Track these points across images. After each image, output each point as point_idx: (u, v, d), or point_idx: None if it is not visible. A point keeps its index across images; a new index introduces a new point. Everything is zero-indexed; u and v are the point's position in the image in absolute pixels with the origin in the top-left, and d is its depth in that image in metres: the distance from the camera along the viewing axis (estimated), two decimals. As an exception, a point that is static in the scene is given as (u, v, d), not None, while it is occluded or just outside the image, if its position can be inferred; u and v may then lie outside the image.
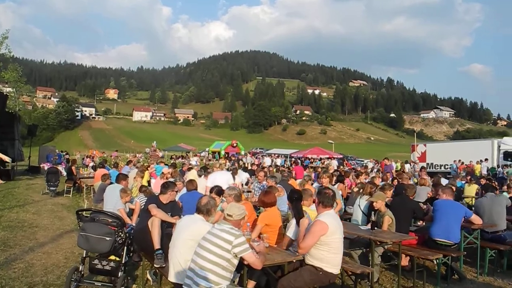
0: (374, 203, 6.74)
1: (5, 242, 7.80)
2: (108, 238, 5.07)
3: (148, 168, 13.74)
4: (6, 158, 23.32)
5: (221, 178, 9.66)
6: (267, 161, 35.83)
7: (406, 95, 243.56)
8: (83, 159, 35.70)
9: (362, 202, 7.75)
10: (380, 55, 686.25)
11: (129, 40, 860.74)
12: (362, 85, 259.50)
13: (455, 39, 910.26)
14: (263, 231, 5.44)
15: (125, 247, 5.40)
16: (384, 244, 6.03)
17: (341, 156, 44.81)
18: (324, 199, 4.74)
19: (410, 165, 31.38)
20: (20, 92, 28.97)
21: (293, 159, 44.39)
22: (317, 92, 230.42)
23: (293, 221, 5.20)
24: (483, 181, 14.73)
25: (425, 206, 7.84)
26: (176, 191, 6.37)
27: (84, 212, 5.52)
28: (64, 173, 19.24)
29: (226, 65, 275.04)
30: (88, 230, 5.12)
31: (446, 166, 31.82)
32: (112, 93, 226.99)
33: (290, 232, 5.14)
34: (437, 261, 6.28)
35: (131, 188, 9.47)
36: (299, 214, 5.04)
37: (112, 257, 5.32)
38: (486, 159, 27.90)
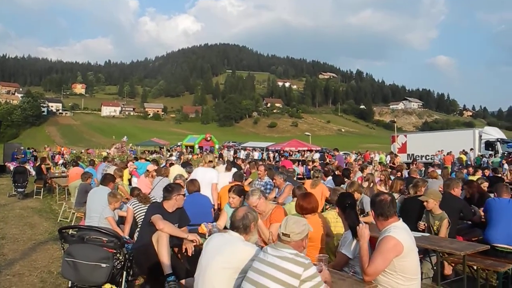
0: (425, 203, 5.60)
1: (-36, 262, 6.39)
2: (104, 265, 3.78)
3: (128, 165, 12.30)
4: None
5: (205, 175, 8.43)
6: (242, 155, 34.84)
7: (375, 87, 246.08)
8: (52, 156, 33.78)
9: (391, 201, 6.69)
10: (349, 48, 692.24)
11: (95, 34, 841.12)
12: (332, 77, 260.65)
13: (422, 32, 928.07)
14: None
15: (124, 272, 4.13)
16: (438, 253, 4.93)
17: (319, 148, 43.93)
18: (384, 209, 3.57)
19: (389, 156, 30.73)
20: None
21: (270, 152, 43.39)
22: (287, 84, 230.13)
23: (347, 235, 4.00)
24: (487, 172, 14.02)
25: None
26: (184, 195, 5.08)
27: (69, 230, 4.14)
28: (33, 173, 17.49)
29: (195, 59, 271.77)
30: (77, 254, 3.80)
31: (428, 157, 31.39)
32: (79, 88, 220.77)
33: (346, 249, 3.93)
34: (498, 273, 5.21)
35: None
36: (356, 226, 3.87)
37: (107, 286, 4.01)
38: (471, 149, 27.50)
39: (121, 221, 6.37)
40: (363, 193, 7.09)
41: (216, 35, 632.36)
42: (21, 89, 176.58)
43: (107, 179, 7.21)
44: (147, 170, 10.11)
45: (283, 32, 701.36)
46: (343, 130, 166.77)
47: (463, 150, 27.11)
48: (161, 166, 12.97)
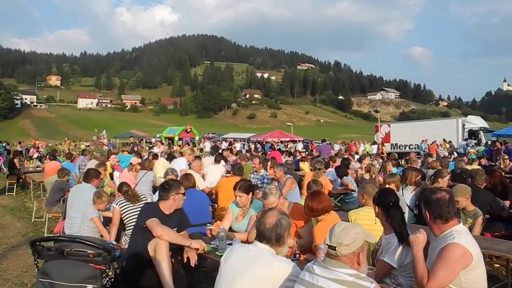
0: (456, 204, 4.91)
1: None
2: (90, 286, 3.00)
3: (110, 158, 11.40)
4: None
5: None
6: (223, 146, 33.94)
7: (353, 77, 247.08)
8: (27, 150, 32.46)
9: (406, 194, 6.05)
10: (326, 39, 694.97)
11: (69, 25, 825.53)
12: (310, 68, 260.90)
13: (398, 23, 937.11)
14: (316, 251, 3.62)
15: (114, 289, 3.34)
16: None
17: (302, 139, 43.40)
18: (443, 210, 2.88)
19: (378, 147, 30.35)
20: None
21: (251, 143, 42.70)
22: (266, 76, 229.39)
23: (391, 239, 3.26)
24: (483, 162, 13.56)
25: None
26: (183, 194, 4.24)
27: (44, 242, 3.22)
28: (4, 170, 16.29)
29: (173, 50, 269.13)
30: (55, 274, 2.98)
31: (411, 146, 31.18)
32: (54, 80, 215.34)
33: (390, 257, 3.19)
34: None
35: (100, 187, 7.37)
36: (402, 229, 3.16)
37: (93, 307, 3.20)
38: (450, 142, 27.32)
39: (105, 222, 5.50)
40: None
41: (193, 26, 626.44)
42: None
43: (90, 175, 6.35)
44: (131, 164, 9.27)
45: (262, 23, 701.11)
46: (322, 120, 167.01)
47: (446, 140, 26.98)
48: (144, 159, 12.16)
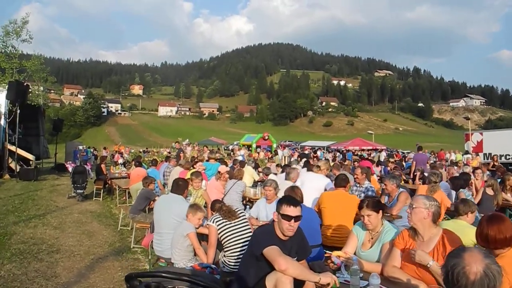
0: None
1: (8, 286, 5.20)
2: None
3: (194, 166, 10.94)
4: (30, 156, 21.27)
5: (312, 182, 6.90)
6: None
7: (433, 84, 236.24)
8: (112, 155, 33.61)
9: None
10: (405, 45, 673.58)
11: (151, 37, 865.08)
12: (387, 75, 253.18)
13: (483, 26, 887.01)
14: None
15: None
16: None
17: (384, 147, 41.53)
18: None
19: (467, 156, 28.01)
20: (42, 80, 26.70)
21: (329, 151, 41.49)
22: (342, 83, 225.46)
23: None
24: None
25: None
26: (301, 215, 3.31)
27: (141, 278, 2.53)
28: (92, 174, 16.53)
29: (249, 58, 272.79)
30: None
31: (508, 157, 28.50)
32: (137, 89, 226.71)
33: None
34: None
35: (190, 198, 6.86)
36: None
37: None
38: None
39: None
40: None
41: (268, 34, 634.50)
42: (83, 91, 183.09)
43: (181, 187, 5.56)
44: (219, 172, 8.72)
45: (337, 30, 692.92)
46: (400, 128, 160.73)
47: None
48: (229, 166, 11.63)
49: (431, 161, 19.49)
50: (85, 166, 16.26)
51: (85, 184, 13.48)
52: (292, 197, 3.41)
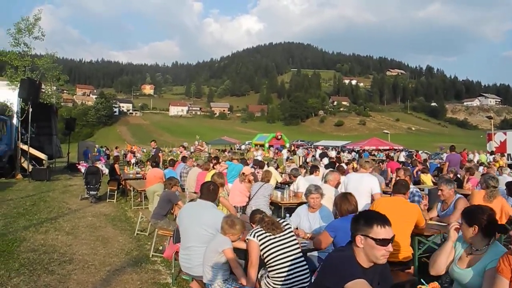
0: None
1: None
2: None
3: (215, 167, 10.26)
4: (42, 156, 20.89)
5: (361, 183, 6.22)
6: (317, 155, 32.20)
7: (447, 83, 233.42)
8: (124, 155, 33.20)
9: None
10: (417, 43, 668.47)
11: (162, 37, 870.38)
12: (400, 74, 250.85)
13: (498, 23, 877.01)
14: None
15: None
16: None
17: (402, 148, 40.57)
18: None
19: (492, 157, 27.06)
20: (55, 79, 26.25)
21: (344, 151, 40.69)
22: (354, 82, 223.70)
23: None
24: None
25: None
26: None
27: None
28: (106, 171, 15.92)
29: (260, 58, 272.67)
30: None
31: (533, 157, 27.49)
32: (148, 89, 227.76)
33: None
34: None
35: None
36: None
37: None
38: None
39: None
40: None
41: (278, 34, 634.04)
42: (95, 91, 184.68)
43: (213, 191, 4.58)
44: (243, 173, 8.07)
45: (348, 29, 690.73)
46: (413, 128, 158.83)
47: None
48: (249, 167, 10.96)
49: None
50: (98, 165, 15.65)
51: (99, 185, 12.91)
52: (381, 215, 2.64)
